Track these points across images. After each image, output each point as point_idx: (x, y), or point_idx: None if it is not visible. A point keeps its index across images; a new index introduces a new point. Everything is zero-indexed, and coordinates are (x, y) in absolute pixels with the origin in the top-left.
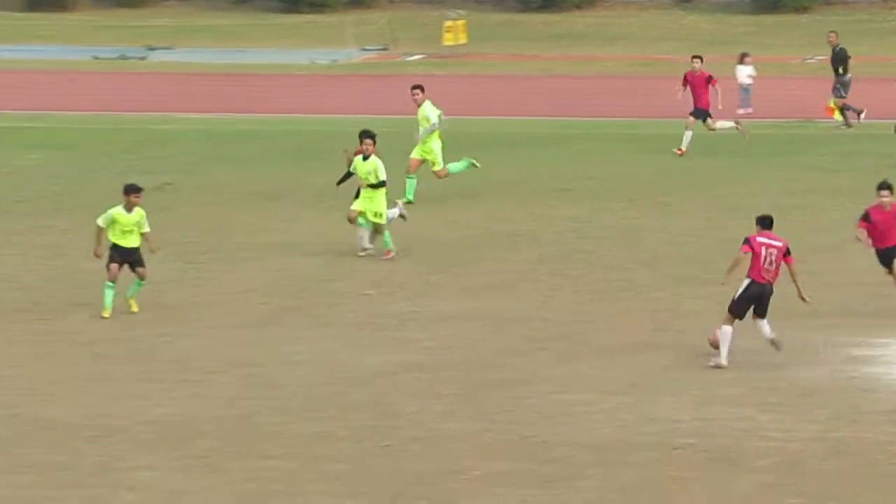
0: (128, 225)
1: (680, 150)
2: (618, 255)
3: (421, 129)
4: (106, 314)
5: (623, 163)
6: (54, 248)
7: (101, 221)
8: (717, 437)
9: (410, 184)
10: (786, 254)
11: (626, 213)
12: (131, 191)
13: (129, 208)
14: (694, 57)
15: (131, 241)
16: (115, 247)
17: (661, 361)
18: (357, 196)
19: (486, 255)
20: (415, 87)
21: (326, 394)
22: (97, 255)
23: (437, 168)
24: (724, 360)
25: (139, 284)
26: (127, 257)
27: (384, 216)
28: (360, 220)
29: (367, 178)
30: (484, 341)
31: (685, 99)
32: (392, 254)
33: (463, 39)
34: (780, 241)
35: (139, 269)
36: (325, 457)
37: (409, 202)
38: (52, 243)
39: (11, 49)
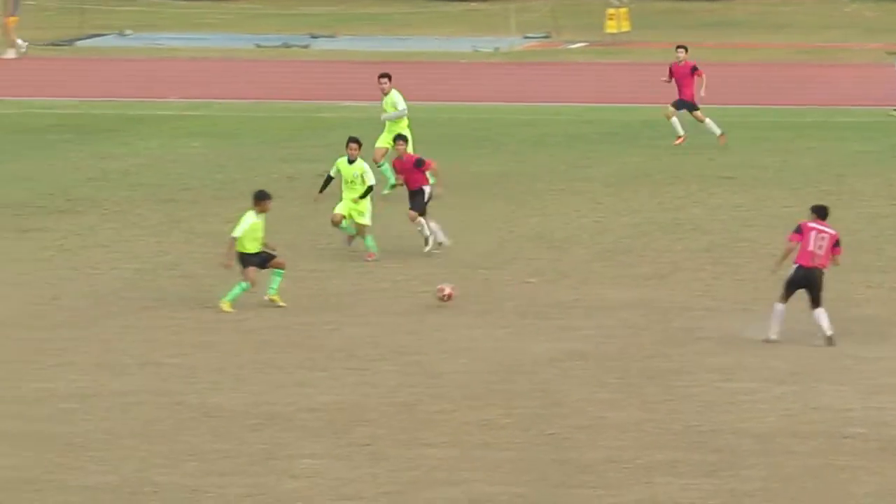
0: (258, 231)
1: (680, 137)
2: (782, 244)
3: (384, 114)
4: (228, 308)
5: (784, 151)
6: (218, 237)
7: (238, 232)
8: (886, 427)
9: (385, 170)
10: (835, 244)
11: (790, 201)
12: (266, 197)
13: (260, 214)
14: (678, 47)
15: (257, 247)
16: (246, 254)
17: (827, 350)
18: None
19: (650, 244)
20: (382, 76)
21: (489, 382)
22: (228, 267)
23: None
24: (773, 335)
25: (280, 275)
26: (257, 259)
27: (367, 217)
28: (345, 223)
29: (353, 182)
30: (647, 330)
31: (672, 90)
32: (375, 256)
33: (626, 27)
34: (831, 230)
35: (277, 261)
36: (488, 445)
37: (393, 186)
38: (216, 231)
39: (175, 37)
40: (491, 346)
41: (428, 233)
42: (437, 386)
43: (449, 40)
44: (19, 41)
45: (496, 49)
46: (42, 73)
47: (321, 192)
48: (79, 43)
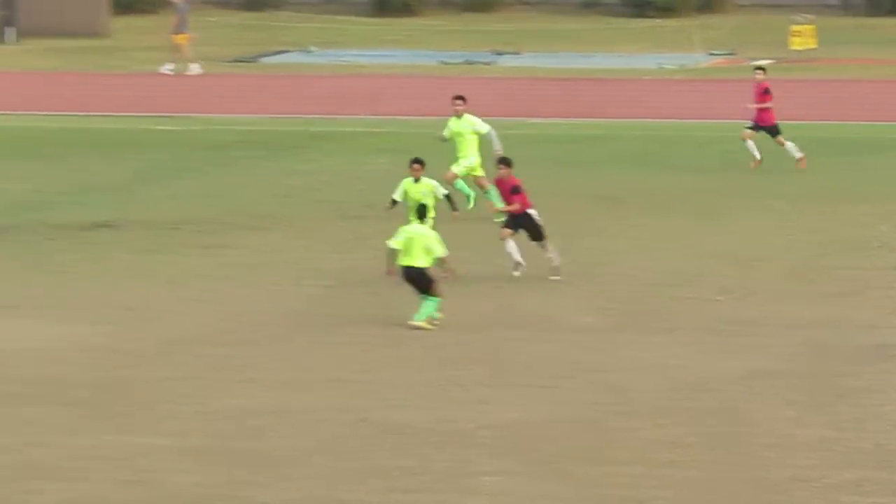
0: None
1: (756, 161)
2: None
3: (496, 143)
4: (427, 325)
5: None
6: None
7: (445, 251)
8: None
9: (492, 195)
10: None
11: None
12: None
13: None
14: (757, 68)
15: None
16: (412, 268)
17: None
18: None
19: (838, 261)
20: (457, 98)
21: (675, 399)
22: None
23: (453, 169)
24: None
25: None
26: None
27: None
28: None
29: (420, 200)
30: (836, 348)
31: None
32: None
33: (812, 44)
34: None
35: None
36: (674, 463)
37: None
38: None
39: (360, 54)
40: (677, 363)
41: (517, 258)
42: (622, 403)
43: (633, 57)
44: (168, 65)
45: (681, 66)
46: (226, 89)
47: (390, 208)
48: (263, 59)
